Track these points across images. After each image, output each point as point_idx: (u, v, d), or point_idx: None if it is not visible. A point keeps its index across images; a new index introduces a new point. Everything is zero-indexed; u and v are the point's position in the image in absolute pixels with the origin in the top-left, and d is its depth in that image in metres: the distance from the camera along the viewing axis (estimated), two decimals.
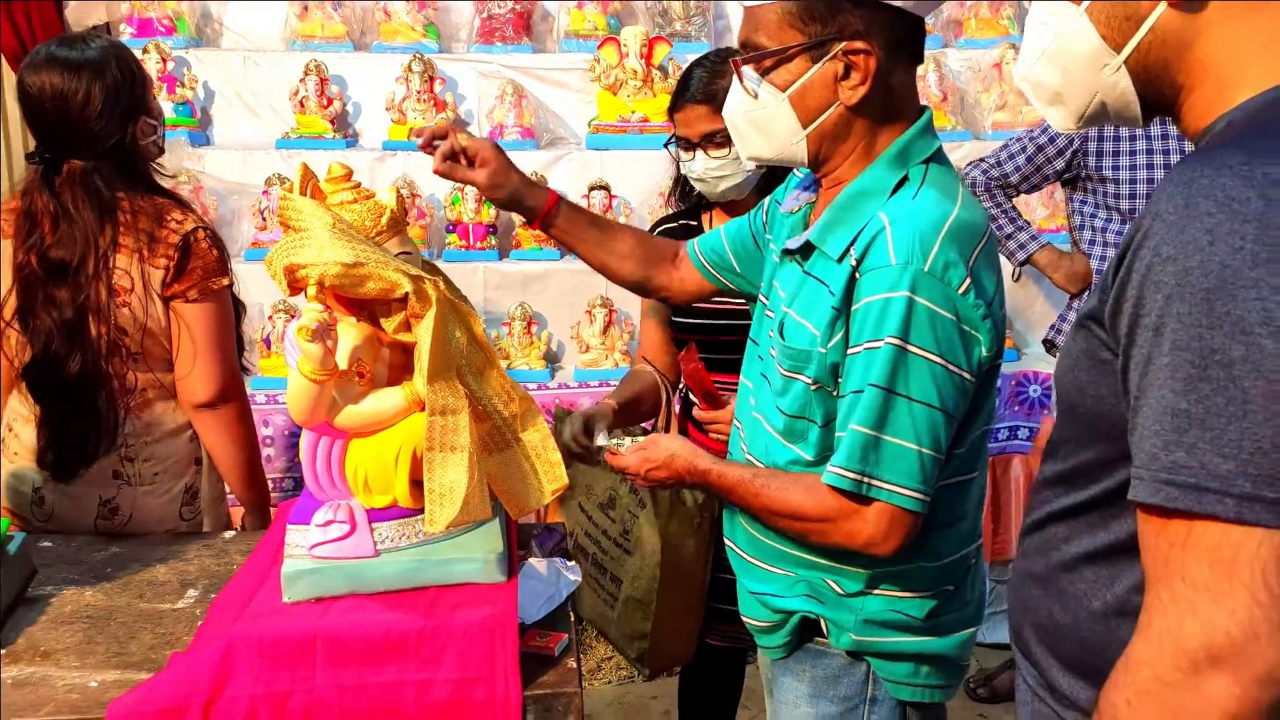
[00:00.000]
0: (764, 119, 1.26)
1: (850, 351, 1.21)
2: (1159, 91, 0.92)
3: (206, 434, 1.87)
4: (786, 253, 1.34)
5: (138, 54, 3.26)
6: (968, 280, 1.18)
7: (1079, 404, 0.94)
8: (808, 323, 1.26)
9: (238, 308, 1.93)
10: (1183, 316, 0.76)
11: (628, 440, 1.53)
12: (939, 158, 1.28)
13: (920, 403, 1.17)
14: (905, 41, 1.23)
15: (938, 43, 3.58)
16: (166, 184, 1.94)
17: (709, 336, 1.88)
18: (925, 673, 1.34)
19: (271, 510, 1.96)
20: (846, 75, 1.21)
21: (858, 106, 1.22)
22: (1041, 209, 3.35)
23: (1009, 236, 2.68)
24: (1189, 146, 0.97)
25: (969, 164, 2.73)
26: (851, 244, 1.22)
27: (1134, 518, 0.84)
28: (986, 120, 3.47)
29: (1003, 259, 2.67)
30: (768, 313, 1.40)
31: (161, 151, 1.94)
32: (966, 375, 1.20)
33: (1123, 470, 0.86)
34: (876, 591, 1.30)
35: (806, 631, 1.36)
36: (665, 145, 1.92)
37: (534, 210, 1.57)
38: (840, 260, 1.23)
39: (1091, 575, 0.96)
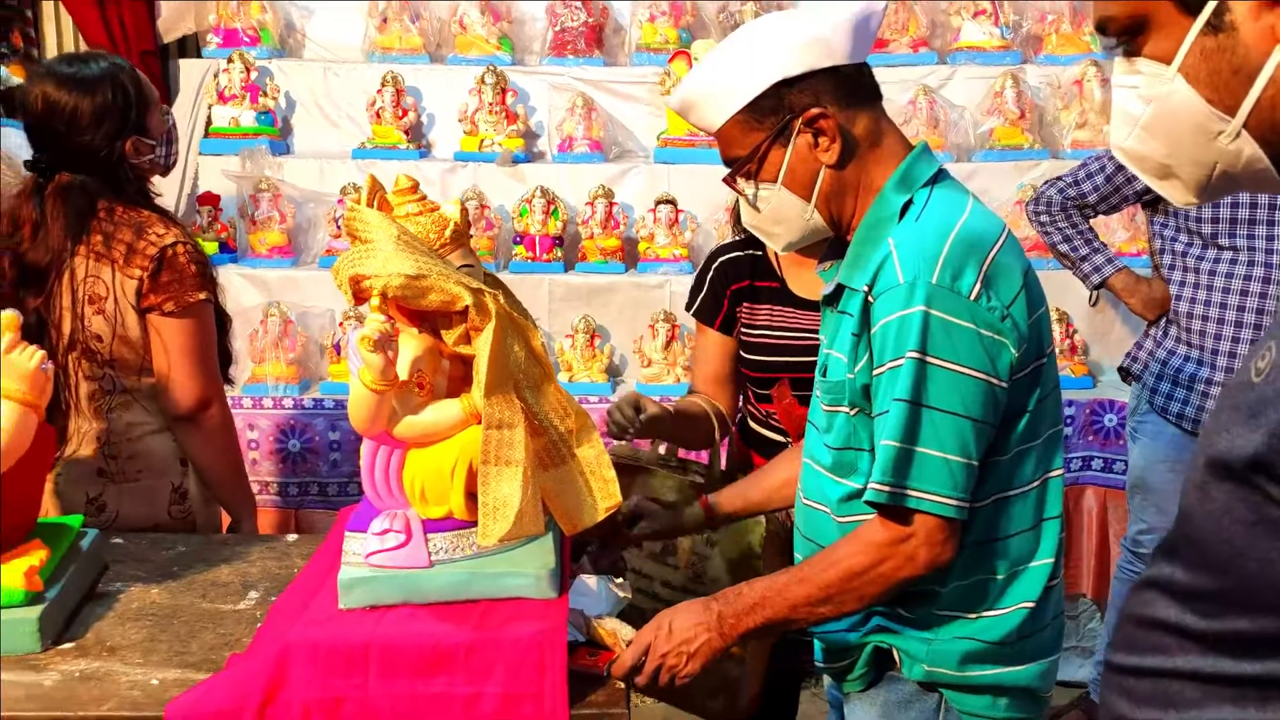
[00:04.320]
0: (775, 213, 1.35)
1: (875, 373, 1.24)
2: None
3: (186, 444, 1.90)
4: (826, 302, 1.38)
5: (222, 64, 3.41)
6: (978, 286, 1.20)
7: (1238, 567, 0.76)
8: (840, 355, 1.30)
9: (222, 320, 1.95)
10: None
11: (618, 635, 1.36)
12: (942, 178, 1.33)
13: (946, 412, 1.19)
14: (855, 88, 1.30)
15: (1017, 58, 3.50)
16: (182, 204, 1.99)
17: (786, 374, 1.83)
18: (1004, 705, 1.31)
19: (255, 518, 2.03)
20: (817, 141, 1.29)
21: (839, 161, 1.30)
22: (1122, 231, 3.25)
23: (1084, 259, 2.59)
24: None
25: (1045, 183, 2.66)
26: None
27: None
28: (1066, 139, 3.38)
29: (1076, 279, 2.62)
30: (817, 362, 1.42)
31: (167, 171, 1.99)
32: (995, 381, 1.21)
33: None
34: (946, 612, 1.28)
35: (881, 660, 1.34)
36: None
37: None
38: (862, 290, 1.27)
39: None
